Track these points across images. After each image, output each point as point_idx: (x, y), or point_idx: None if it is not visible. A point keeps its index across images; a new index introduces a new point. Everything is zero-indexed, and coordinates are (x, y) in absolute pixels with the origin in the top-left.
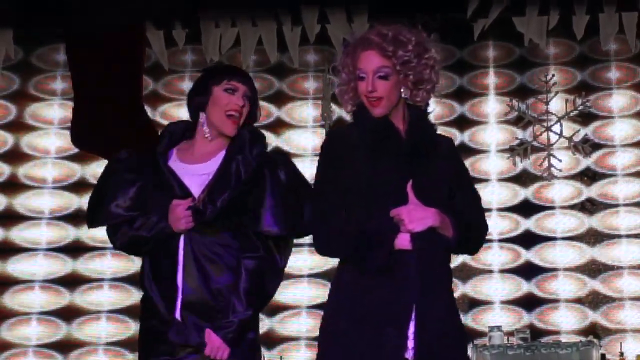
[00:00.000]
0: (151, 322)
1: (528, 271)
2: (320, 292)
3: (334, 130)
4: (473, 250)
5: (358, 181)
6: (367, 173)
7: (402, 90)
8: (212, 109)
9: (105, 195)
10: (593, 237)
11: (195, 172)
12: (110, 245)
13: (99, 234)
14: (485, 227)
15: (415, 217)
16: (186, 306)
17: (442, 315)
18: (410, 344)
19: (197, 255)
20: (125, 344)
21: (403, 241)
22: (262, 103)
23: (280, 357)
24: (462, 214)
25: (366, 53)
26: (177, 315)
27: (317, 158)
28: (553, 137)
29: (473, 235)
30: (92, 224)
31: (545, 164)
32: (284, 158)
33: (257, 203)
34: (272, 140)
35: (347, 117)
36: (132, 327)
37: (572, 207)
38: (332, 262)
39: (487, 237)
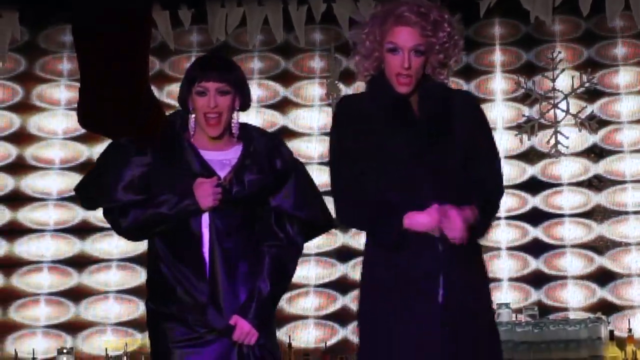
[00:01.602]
0: (171, 309)
1: (536, 248)
2: (327, 271)
3: (347, 98)
4: (489, 225)
5: (371, 152)
6: (381, 145)
7: (427, 67)
8: (194, 111)
9: (110, 177)
10: (601, 214)
11: (213, 157)
12: None
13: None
14: (500, 193)
15: (457, 228)
16: (212, 288)
17: (469, 285)
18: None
19: (220, 234)
20: (133, 324)
21: (417, 224)
22: (268, 82)
23: (289, 336)
24: (479, 184)
25: (403, 29)
26: (205, 298)
27: (323, 137)
28: (560, 114)
29: (492, 207)
30: (95, 206)
31: (552, 141)
32: (298, 161)
33: (287, 191)
34: (279, 120)
35: None
36: (140, 307)
37: (579, 184)
38: (340, 241)
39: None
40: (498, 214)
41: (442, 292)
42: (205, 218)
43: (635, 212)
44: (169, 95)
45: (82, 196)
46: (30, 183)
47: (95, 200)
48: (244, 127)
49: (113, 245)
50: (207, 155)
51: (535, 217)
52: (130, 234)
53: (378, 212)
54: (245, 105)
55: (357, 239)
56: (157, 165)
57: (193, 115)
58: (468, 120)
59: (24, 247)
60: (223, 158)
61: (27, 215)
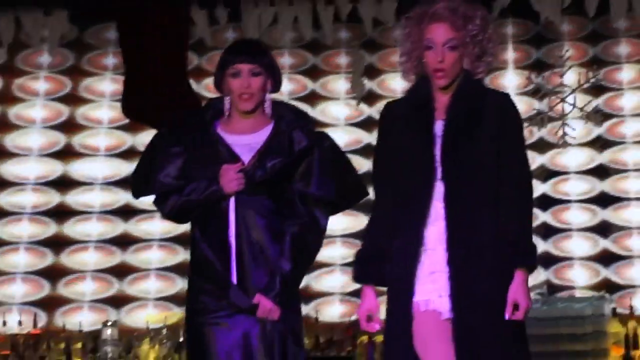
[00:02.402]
0: (203, 285)
1: (545, 232)
2: (351, 252)
3: (387, 104)
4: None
5: (392, 156)
6: (394, 157)
7: (463, 62)
8: (228, 92)
9: (153, 167)
10: (605, 200)
11: (242, 142)
12: None
13: (147, 198)
14: (529, 213)
15: (528, 308)
16: (239, 268)
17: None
18: (448, 304)
19: (246, 218)
20: (172, 299)
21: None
22: (298, 77)
23: (316, 311)
24: (510, 215)
25: (436, 25)
26: (233, 278)
27: (348, 127)
28: (567, 108)
29: (526, 238)
30: (141, 194)
31: (560, 132)
32: (326, 134)
33: (308, 170)
34: (307, 111)
35: (378, 89)
36: (178, 284)
37: (585, 172)
38: (364, 224)
39: None
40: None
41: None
42: (232, 202)
43: (638, 199)
44: (206, 88)
45: (132, 186)
46: (78, 168)
47: (140, 189)
48: (278, 104)
49: (154, 226)
50: (236, 140)
51: (544, 203)
52: (172, 219)
53: (365, 249)
54: (276, 88)
55: None
56: (191, 154)
57: (228, 97)
58: (498, 124)
59: (72, 228)
60: (251, 141)
61: (74, 198)
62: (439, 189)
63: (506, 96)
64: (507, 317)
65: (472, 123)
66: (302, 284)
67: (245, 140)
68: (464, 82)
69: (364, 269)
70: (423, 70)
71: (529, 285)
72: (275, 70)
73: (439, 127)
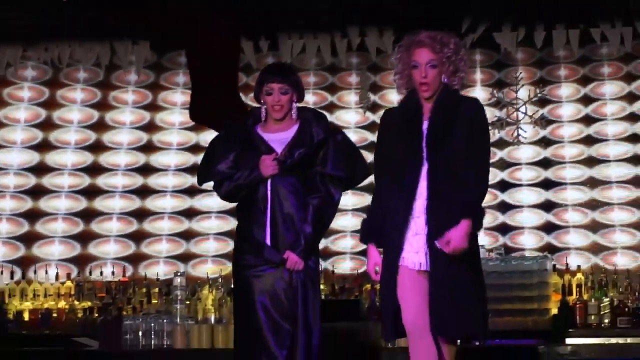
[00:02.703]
0: (245, 245)
1: (503, 208)
2: (359, 221)
3: (385, 111)
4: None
5: (384, 156)
6: (391, 151)
7: (442, 77)
8: (264, 103)
9: (213, 161)
10: (548, 185)
11: (275, 138)
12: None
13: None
14: (483, 194)
15: (455, 239)
16: (272, 232)
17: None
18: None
19: (279, 194)
20: (225, 256)
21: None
22: (320, 91)
23: (333, 265)
24: (464, 183)
25: (420, 50)
26: (267, 240)
27: (357, 129)
28: (520, 115)
29: (476, 209)
30: (203, 182)
31: (515, 133)
32: (339, 129)
33: (325, 156)
34: (327, 117)
35: (380, 101)
36: (230, 245)
37: (533, 164)
38: (368, 201)
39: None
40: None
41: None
42: (269, 183)
43: (572, 184)
44: (251, 99)
45: (197, 176)
46: (157, 159)
47: (203, 178)
48: (302, 109)
49: (212, 202)
50: (272, 136)
51: (502, 186)
52: (226, 199)
53: (368, 225)
54: (300, 99)
55: None
56: (240, 149)
57: (264, 107)
58: (469, 122)
59: (152, 202)
60: (283, 137)
61: (154, 180)
62: (424, 171)
63: (476, 101)
64: (437, 245)
65: (449, 123)
66: (322, 245)
67: (278, 137)
68: (443, 93)
69: (369, 233)
70: (412, 85)
71: (480, 244)
72: (299, 86)
73: (424, 126)
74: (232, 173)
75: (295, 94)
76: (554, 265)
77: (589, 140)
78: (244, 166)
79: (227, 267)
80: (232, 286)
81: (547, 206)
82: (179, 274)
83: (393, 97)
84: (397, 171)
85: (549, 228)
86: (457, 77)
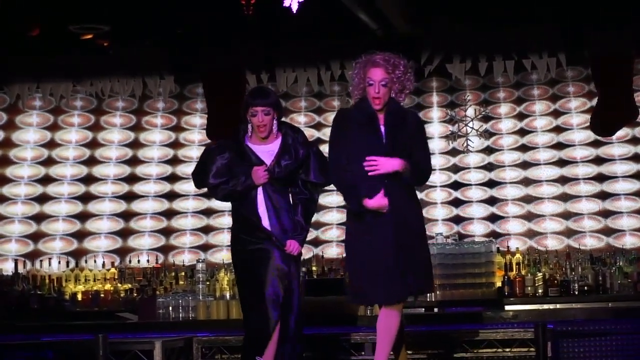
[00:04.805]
0: (250, 238)
1: (456, 202)
2: (343, 216)
3: (341, 109)
4: (419, 182)
5: (352, 145)
6: (358, 141)
7: (391, 93)
8: (250, 122)
9: (206, 168)
10: (492, 184)
11: (263, 150)
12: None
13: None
14: (428, 170)
15: (384, 164)
16: (268, 218)
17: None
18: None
19: (270, 199)
20: None
21: (374, 202)
22: (310, 113)
23: (322, 251)
24: (416, 162)
25: (375, 69)
26: (264, 224)
27: None
28: (469, 129)
29: (421, 172)
30: (200, 186)
31: (465, 144)
32: (314, 143)
33: (307, 167)
34: (315, 134)
35: None
36: None
37: (480, 167)
38: None
39: (433, 184)
40: (433, 184)
41: (391, 217)
42: (260, 189)
43: (511, 183)
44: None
45: (193, 180)
46: (181, 169)
47: (199, 182)
48: (282, 123)
49: (226, 203)
50: (259, 149)
51: (455, 186)
52: (223, 200)
53: (349, 190)
54: (280, 116)
55: None
56: (232, 159)
57: (250, 125)
58: (414, 130)
59: (178, 204)
60: (269, 149)
61: (179, 186)
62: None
63: (415, 113)
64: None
65: (399, 128)
66: (313, 235)
67: (265, 149)
68: (392, 105)
69: (357, 195)
70: (365, 95)
71: (438, 232)
72: (279, 105)
73: (382, 129)
74: (225, 179)
75: (276, 112)
76: (498, 248)
77: (524, 148)
78: (238, 171)
79: None
80: (232, 262)
81: (491, 201)
82: (200, 260)
83: None
84: (360, 155)
85: (493, 218)
86: (403, 93)
